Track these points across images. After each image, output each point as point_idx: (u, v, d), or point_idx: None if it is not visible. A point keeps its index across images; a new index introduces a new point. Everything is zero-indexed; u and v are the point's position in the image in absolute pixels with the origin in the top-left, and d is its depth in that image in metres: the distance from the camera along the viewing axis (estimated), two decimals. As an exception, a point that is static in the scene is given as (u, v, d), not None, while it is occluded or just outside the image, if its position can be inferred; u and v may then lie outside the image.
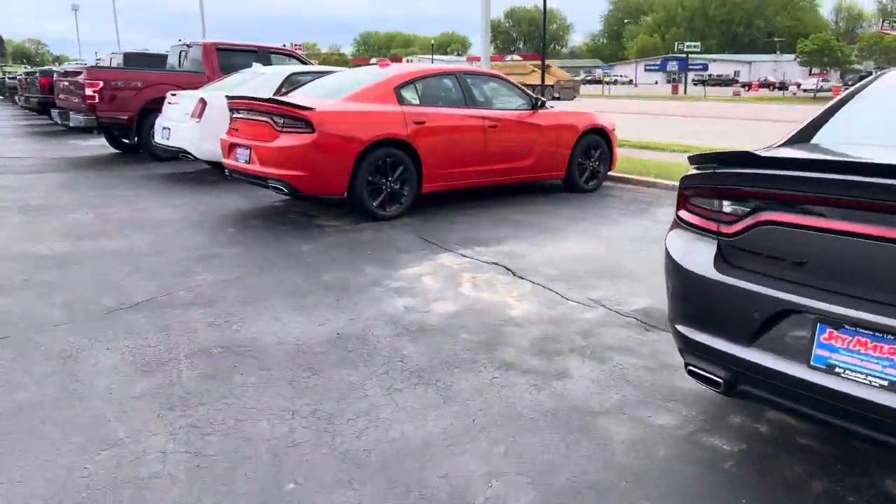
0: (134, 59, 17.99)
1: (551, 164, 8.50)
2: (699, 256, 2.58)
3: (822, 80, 54.63)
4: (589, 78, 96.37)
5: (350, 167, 6.77)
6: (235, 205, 7.97)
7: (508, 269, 5.37)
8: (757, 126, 23.37)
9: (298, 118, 6.60)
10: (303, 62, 13.09)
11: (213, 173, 10.25)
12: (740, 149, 2.62)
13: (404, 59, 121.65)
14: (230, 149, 7.32)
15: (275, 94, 8.23)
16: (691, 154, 2.69)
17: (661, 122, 26.26)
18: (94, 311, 4.39)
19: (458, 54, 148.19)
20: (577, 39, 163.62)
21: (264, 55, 12.67)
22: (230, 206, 7.93)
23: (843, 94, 3.19)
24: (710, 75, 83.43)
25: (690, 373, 2.68)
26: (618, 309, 4.48)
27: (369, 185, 6.94)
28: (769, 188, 2.35)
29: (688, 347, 2.63)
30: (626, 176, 9.93)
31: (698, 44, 78.55)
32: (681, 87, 65.32)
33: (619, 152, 9.97)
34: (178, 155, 9.72)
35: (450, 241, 6.28)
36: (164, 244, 6.14)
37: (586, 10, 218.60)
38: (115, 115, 11.30)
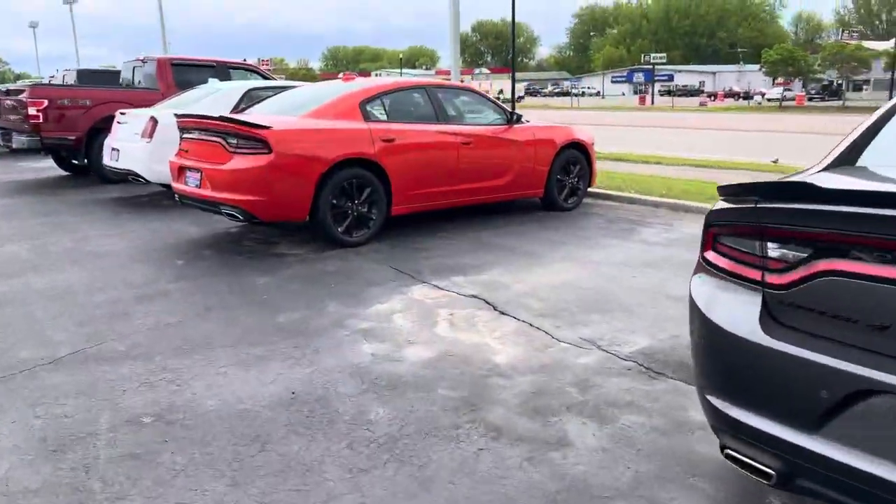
0: (87, 76, 17.22)
1: (529, 181, 7.99)
2: (739, 313, 2.05)
3: (786, 90, 55.30)
4: (557, 90, 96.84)
5: (312, 190, 6.18)
6: (188, 232, 7.32)
7: (489, 304, 4.82)
8: (731, 136, 23.25)
9: (253, 137, 6.01)
10: (264, 77, 12.48)
11: (167, 196, 9.56)
12: (792, 177, 2.11)
13: (373, 74, 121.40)
14: (179, 172, 6.68)
15: (232, 112, 7.62)
16: (722, 185, 2.15)
17: (632, 133, 26.06)
18: (8, 369, 3.73)
19: (427, 68, 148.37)
20: (543, 52, 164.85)
21: (223, 70, 12.04)
22: (182, 233, 7.28)
23: (884, 109, 2.69)
24: (675, 86, 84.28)
25: (729, 457, 2.14)
26: (615, 350, 3.95)
27: (334, 208, 6.36)
28: (835, 229, 1.82)
29: (725, 427, 2.10)
30: (605, 192, 9.46)
31: (664, 55, 79.36)
32: (648, 98, 65.76)
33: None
34: (128, 178, 9.04)
35: (423, 270, 5.71)
36: (103, 280, 5.49)
37: (552, 22, 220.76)
38: (62, 136, 10.56)
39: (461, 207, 7.64)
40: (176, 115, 6.92)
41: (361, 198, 6.53)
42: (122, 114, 9.26)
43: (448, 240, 6.82)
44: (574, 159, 8.43)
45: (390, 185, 6.70)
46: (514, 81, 22.98)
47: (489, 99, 7.88)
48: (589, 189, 8.89)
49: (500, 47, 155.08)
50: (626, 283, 5.29)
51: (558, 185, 8.34)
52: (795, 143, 19.73)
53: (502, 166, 7.67)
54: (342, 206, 6.42)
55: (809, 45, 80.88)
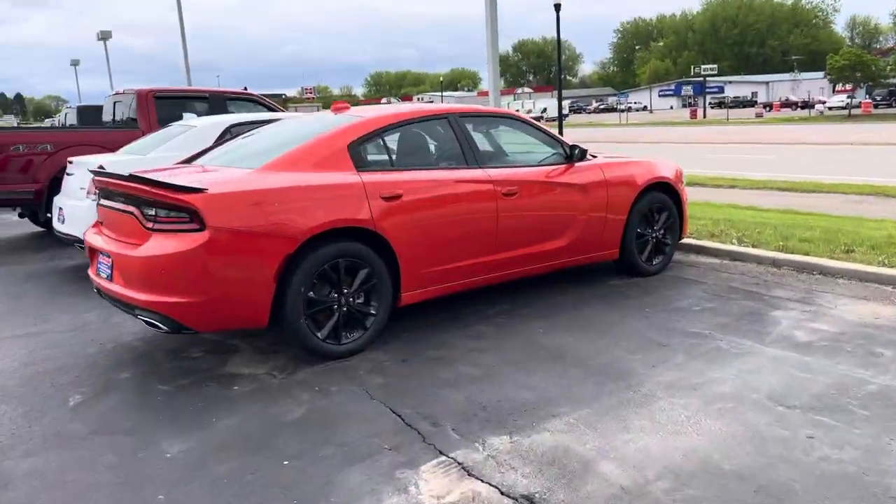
0: (88, 114, 15.61)
1: (599, 239, 5.71)
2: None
3: (849, 97, 51.58)
4: (602, 106, 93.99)
5: (272, 282, 4.03)
6: (123, 331, 5.21)
7: (563, 526, 2.55)
8: (808, 150, 20.50)
9: (178, 206, 3.89)
10: (270, 108, 10.49)
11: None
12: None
13: (415, 98, 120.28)
14: (91, 254, 4.61)
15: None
16: None
17: (691, 151, 23.48)
18: None
19: (468, 90, 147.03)
20: (586, 69, 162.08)
21: (218, 102, 10.07)
22: (114, 333, 5.18)
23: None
24: (727, 97, 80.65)
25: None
26: None
27: (310, 305, 4.20)
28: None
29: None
30: (696, 243, 7.09)
31: (714, 66, 75.96)
32: (699, 111, 62.61)
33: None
34: (73, 244, 7.04)
35: (443, 416, 3.48)
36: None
37: (595, 39, 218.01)
38: (16, 189, 8.69)
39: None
40: (91, 172, 4.85)
41: (353, 285, 4.36)
42: (70, 163, 7.30)
43: (484, 340, 4.58)
44: (659, 204, 6.12)
45: (397, 263, 4.51)
46: (560, 100, 20.68)
47: (539, 128, 5.63)
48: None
49: (541, 66, 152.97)
50: (805, 461, 2.94)
51: (639, 241, 6.04)
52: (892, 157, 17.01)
53: (561, 222, 5.42)
54: (324, 300, 4.26)
55: (868, 50, 76.57)
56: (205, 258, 3.83)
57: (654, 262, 6.19)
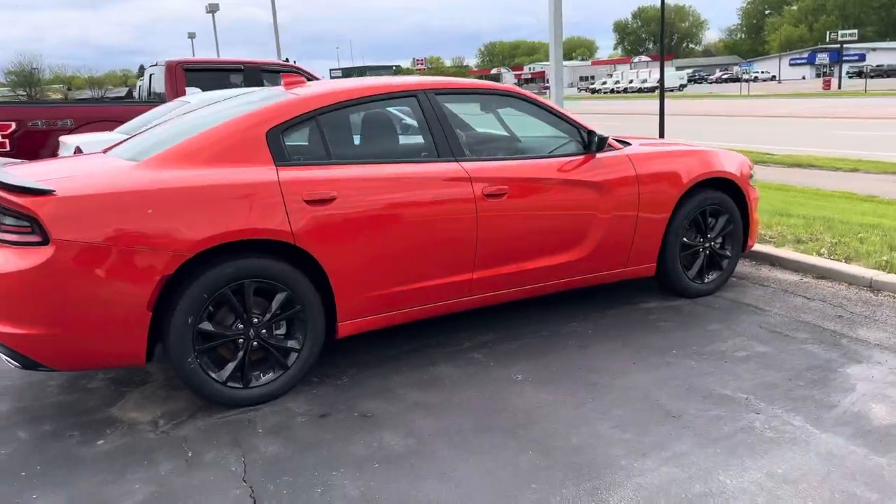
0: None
1: (625, 252, 4.46)
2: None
3: None
4: (726, 76, 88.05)
5: (146, 311, 3.12)
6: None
7: None
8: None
9: (19, 212, 3.04)
10: (311, 79, 9.64)
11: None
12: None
13: (525, 68, 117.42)
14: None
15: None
16: None
17: (814, 126, 20.94)
18: None
19: (582, 59, 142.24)
20: (711, 36, 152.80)
21: (253, 74, 9.33)
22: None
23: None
24: (868, 66, 73.29)
25: None
26: None
27: (204, 339, 3.27)
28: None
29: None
30: (774, 252, 5.63)
31: (854, 31, 69.09)
32: (834, 82, 57.06)
33: (760, 175, 5.81)
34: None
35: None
36: None
37: (723, 4, 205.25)
38: (36, 167, 8.28)
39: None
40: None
41: (266, 315, 3.39)
42: (60, 143, 6.73)
43: (438, 390, 3.50)
44: (715, 206, 4.76)
45: (330, 286, 3.50)
46: (662, 69, 18.75)
47: (549, 108, 4.38)
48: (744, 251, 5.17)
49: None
50: None
51: (685, 254, 4.73)
52: None
53: (571, 230, 4.21)
54: (223, 334, 3.32)
55: None
56: (49, 280, 2.97)
57: (705, 280, 4.85)
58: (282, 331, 3.49)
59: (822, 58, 78.76)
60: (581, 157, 4.26)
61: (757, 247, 5.70)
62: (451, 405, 3.34)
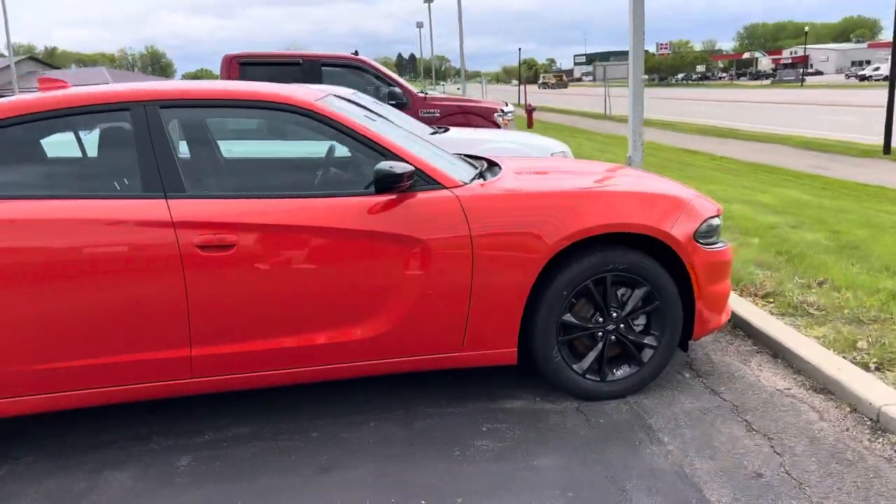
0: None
1: (458, 331, 3.14)
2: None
3: None
4: None
5: None
6: None
7: None
8: None
9: None
10: (380, 78, 8.93)
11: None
12: None
13: (785, 52, 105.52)
14: None
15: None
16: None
17: None
18: None
19: (858, 40, 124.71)
20: None
21: (311, 69, 8.81)
22: None
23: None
24: None
25: None
26: None
27: None
28: None
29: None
30: (782, 341, 3.80)
31: None
32: None
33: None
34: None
35: None
36: None
37: None
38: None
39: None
40: None
41: None
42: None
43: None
44: (625, 274, 3.22)
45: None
46: (895, 57, 15.11)
47: (351, 130, 3.12)
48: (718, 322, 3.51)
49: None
50: None
51: (571, 337, 3.27)
52: None
53: (352, 299, 3.02)
54: None
55: None
56: None
57: (608, 378, 3.32)
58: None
59: None
60: (379, 199, 3.03)
61: (765, 320, 3.92)
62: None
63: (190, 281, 2.85)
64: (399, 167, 2.95)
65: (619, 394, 3.35)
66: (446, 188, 3.12)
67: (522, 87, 43.24)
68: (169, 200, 2.88)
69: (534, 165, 4.01)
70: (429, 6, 40.14)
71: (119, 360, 2.89)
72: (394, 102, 8.58)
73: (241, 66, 8.73)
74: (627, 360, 3.37)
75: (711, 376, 3.56)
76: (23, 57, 53.59)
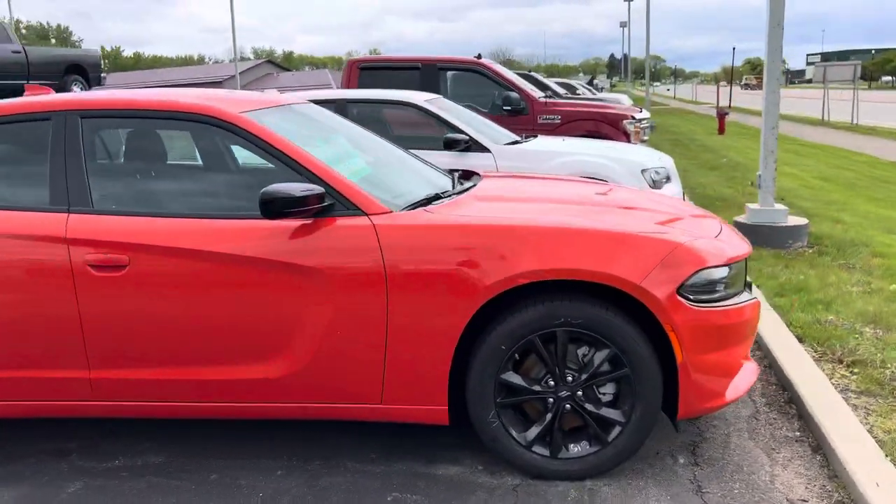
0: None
1: (374, 382, 2.70)
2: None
3: None
4: None
5: None
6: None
7: None
8: None
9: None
10: (498, 83, 8.51)
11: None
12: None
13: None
14: None
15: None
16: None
17: None
18: None
19: None
20: None
21: (430, 74, 8.58)
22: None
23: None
24: None
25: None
26: None
27: None
28: None
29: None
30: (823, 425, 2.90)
31: None
32: None
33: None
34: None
35: None
36: None
37: None
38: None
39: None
40: None
41: None
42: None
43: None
44: (581, 331, 2.60)
45: None
46: None
47: (275, 149, 2.77)
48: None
49: None
50: None
51: (509, 401, 2.71)
52: None
53: (252, 333, 2.71)
54: None
55: None
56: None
57: (559, 455, 2.70)
58: None
59: None
60: (287, 224, 2.68)
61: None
62: None
63: (83, 300, 2.71)
64: (299, 189, 2.58)
65: (574, 475, 2.71)
66: (366, 214, 2.69)
67: (720, 88, 40.14)
68: (70, 215, 2.76)
69: (519, 187, 3.43)
70: (629, 5, 38.67)
71: (18, 376, 2.81)
72: (509, 108, 8.15)
73: (361, 70, 8.73)
74: (588, 435, 2.72)
75: (712, 467, 2.79)
76: (262, 60, 59.48)
